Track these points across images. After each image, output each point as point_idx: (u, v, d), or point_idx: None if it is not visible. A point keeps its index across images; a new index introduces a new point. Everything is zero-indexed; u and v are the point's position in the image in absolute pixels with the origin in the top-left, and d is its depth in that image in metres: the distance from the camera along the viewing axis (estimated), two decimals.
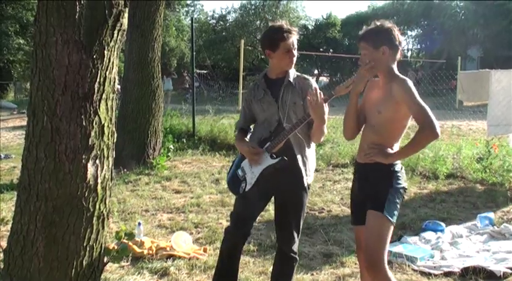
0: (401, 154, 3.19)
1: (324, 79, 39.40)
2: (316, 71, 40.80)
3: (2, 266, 3.08)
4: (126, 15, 2.91)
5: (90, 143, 2.86)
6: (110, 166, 3.04)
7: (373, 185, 3.23)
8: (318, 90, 3.49)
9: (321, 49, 39.85)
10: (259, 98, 3.63)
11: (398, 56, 3.23)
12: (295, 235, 3.62)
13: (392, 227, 3.19)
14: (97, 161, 2.92)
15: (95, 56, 2.81)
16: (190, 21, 30.10)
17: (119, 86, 11.36)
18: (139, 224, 5.32)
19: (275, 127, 3.55)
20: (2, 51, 31.21)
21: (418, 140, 3.04)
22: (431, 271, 4.59)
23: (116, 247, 3.58)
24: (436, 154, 8.67)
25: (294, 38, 3.51)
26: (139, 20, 9.34)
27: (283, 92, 3.54)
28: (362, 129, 3.41)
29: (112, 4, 2.79)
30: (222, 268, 3.75)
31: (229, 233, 3.70)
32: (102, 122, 2.91)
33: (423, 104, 3.01)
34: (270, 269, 4.09)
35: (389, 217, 3.13)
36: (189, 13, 46.92)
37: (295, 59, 3.56)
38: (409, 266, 4.69)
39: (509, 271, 4.52)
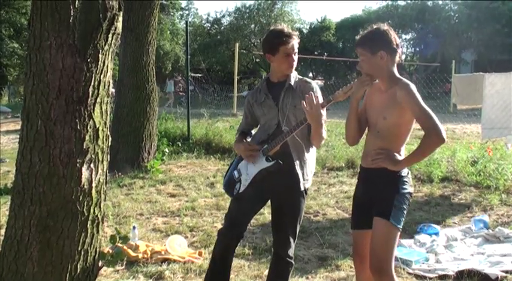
0: (409, 160, 3.15)
1: (318, 82, 39.43)
2: (310, 75, 40.82)
3: None
4: (120, 18, 2.91)
5: (84, 147, 2.86)
6: (105, 170, 3.04)
7: (379, 191, 3.19)
8: (318, 94, 3.48)
9: (316, 53, 39.90)
10: (260, 102, 3.64)
11: (398, 58, 3.18)
12: (291, 239, 3.60)
13: (398, 233, 3.17)
14: (91, 165, 2.91)
15: (89, 60, 2.80)
16: (184, 25, 30.11)
17: (114, 90, 11.35)
18: (134, 228, 5.31)
19: (273, 130, 3.55)
20: None
21: (425, 146, 3.00)
22: (426, 274, 4.59)
23: (110, 251, 3.57)
24: (431, 157, 8.67)
25: (294, 42, 3.49)
26: (134, 24, 9.33)
27: (284, 95, 3.54)
28: (366, 134, 3.37)
29: (106, 8, 2.78)
30: (214, 269, 3.73)
31: (222, 234, 3.68)
32: (97, 126, 2.91)
33: (427, 108, 2.98)
34: (265, 272, 4.09)
35: (395, 224, 3.11)
36: (184, 17, 47.00)
37: (295, 63, 3.55)
38: (404, 269, 4.69)
39: (504, 274, 4.52)
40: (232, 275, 4.52)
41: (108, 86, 2.97)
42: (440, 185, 7.91)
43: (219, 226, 5.93)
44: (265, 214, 5.77)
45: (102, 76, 2.89)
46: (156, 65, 10.06)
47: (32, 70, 2.81)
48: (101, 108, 2.92)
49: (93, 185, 2.94)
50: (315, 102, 3.22)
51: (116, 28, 2.89)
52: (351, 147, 10.66)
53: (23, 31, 30.02)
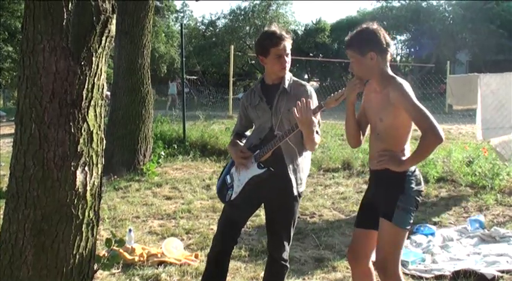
0: (411, 161, 3.07)
1: (313, 84, 39.49)
2: (306, 76, 40.88)
3: None
4: (114, 21, 2.90)
5: (78, 150, 2.84)
6: (99, 173, 3.02)
7: (384, 192, 3.17)
8: (312, 97, 3.47)
9: (311, 54, 39.97)
10: (254, 105, 3.61)
11: (389, 57, 3.14)
12: (285, 243, 3.57)
13: (405, 234, 3.15)
14: (86, 168, 2.90)
15: (82, 63, 2.79)
16: (179, 27, 30.14)
17: (108, 93, 11.33)
18: (130, 230, 5.30)
19: (266, 134, 3.52)
20: None
21: (423, 147, 2.96)
22: (423, 275, 4.59)
23: (106, 254, 3.56)
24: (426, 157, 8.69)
25: (286, 44, 3.44)
26: (129, 27, 9.32)
27: (278, 99, 3.50)
28: (369, 136, 3.34)
29: (99, 10, 2.77)
30: (209, 274, 3.72)
31: (215, 239, 3.68)
32: (91, 129, 2.89)
33: (422, 107, 2.93)
34: (262, 274, 4.08)
35: (399, 226, 3.09)
36: (179, 19, 47.04)
37: (288, 64, 3.49)
38: (400, 270, 4.69)
39: (500, 273, 4.53)
40: (228, 277, 4.52)
41: (102, 88, 2.95)
42: (436, 186, 7.92)
43: (215, 228, 5.92)
44: (262, 215, 5.76)
45: (96, 79, 2.87)
46: (151, 68, 10.05)
47: (26, 73, 2.79)
48: (95, 111, 2.91)
49: (88, 188, 2.93)
50: (306, 109, 3.18)
51: (109, 31, 2.88)
52: (347, 148, 10.72)
53: (18, 34, 29.96)
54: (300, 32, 42.02)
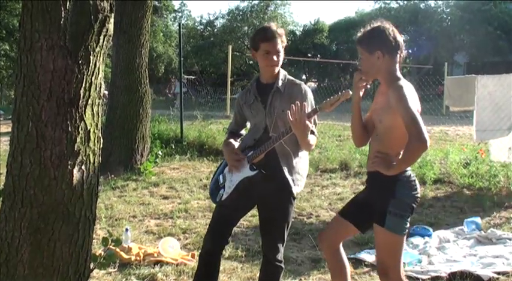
0: (399, 166, 3.01)
1: (311, 84, 39.51)
2: (304, 77, 40.89)
3: None
4: (111, 20, 2.89)
5: (75, 149, 2.84)
6: (96, 172, 3.02)
7: (376, 194, 3.16)
8: (308, 95, 3.45)
9: (309, 55, 39.98)
10: (249, 104, 3.57)
11: (399, 58, 3.10)
12: (280, 244, 3.53)
13: (401, 240, 3.12)
14: (83, 167, 2.90)
15: (80, 62, 2.79)
16: (177, 27, 30.11)
17: (106, 92, 11.32)
18: (126, 230, 5.29)
19: (260, 135, 3.49)
20: None
21: (409, 153, 2.92)
22: (419, 276, 4.59)
23: (102, 253, 3.56)
24: (424, 159, 8.70)
25: (276, 41, 3.38)
26: (127, 26, 9.32)
27: (272, 99, 3.46)
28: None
29: (97, 9, 2.77)
30: (199, 275, 3.69)
31: (205, 239, 3.66)
32: (88, 128, 2.89)
33: (415, 114, 2.88)
34: (258, 275, 4.08)
35: (393, 232, 3.06)
36: (177, 19, 46.95)
37: (276, 63, 3.43)
38: (402, 274, 4.70)
39: (496, 275, 4.54)
40: (225, 278, 4.53)
41: (100, 87, 2.95)
42: (433, 187, 7.93)
43: None
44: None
45: (93, 78, 2.87)
46: (148, 67, 10.04)
47: (23, 72, 2.79)
48: (93, 110, 2.91)
49: (85, 187, 2.93)
50: (300, 113, 3.12)
51: (107, 30, 2.88)
52: (344, 149, 10.74)
53: (16, 33, 29.91)
54: (298, 33, 42.01)
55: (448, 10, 36.30)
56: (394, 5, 38.73)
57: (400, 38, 3.11)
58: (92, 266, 3.19)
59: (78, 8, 2.75)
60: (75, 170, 2.86)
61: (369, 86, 3.25)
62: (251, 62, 38.66)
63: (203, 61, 39.55)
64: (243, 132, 3.83)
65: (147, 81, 9.76)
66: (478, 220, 6.09)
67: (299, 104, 3.13)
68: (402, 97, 2.93)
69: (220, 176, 3.65)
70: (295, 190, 3.49)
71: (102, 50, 2.91)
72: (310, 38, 40.53)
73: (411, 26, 37.25)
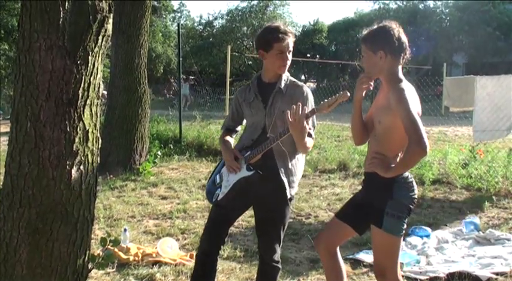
0: (397, 169, 2.99)
1: (310, 85, 39.51)
2: (303, 77, 40.89)
3: None
4: (110, 20, 2.89)
5: (74, 149, 2.84)
6: (95, 172, 3.02)
7: (372, 195, 3.14)
8: (308, 101, 3.41)
9: (308, 55, 39.95)
10: (249, 101, 3.54)
11: (402, 60, 3.09)
12: (276, 244, 3.52)
13: (398, 241, 3.11)
14: (81, 167, 2.90)
15: (79, 62, 2.79)
16: (177, 27, 30.10)
17: (105, 92, 11.31)
18: (125, 230, 5.29)
19: (258, 135, 3.47)
20: None
21: (407, 157, 2.90)
22: (417, 277, 4.60)
23: (101, 254, 3.56)
24: (422, 159, 8.70)
25: (289, 41, 3.37)
26: (125, 26, 9.32)
27: (273, 99, 3.43)
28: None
29: (96, 10, 2.77)
30: (196, 275, 3.68)
31: (202, 240, 3.66)
32: (87, 128, 2.89)
33: (415, 118, 2.86)
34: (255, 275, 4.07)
35: (390, 233, 3.05)
36: (176, 19, 46.97)
37: (289, 62, 3.43)
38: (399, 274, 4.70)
39: (494, 276, 4.54)
40: (223, 278, 4.54)
41: (98, 88, 2.95)
42: (432, 188, 7.93)
43: None
44: None
45: (92, 78, 2.87)
46: (147, 68, 10.04)
47: (22, 72, 2.79)
48: (91, 110, 2.91)
49: (83, 187, 2.93)
50: (299, 115, 3.10)
51: (106, 30, 2.88)
52: (343, 149, 10.74)
53: (14, 33, 29.88)
54: (297, 33, 41.98)
55: (447, 11, 36.31)
56: (393, 5, 38.73)
57: (405, 40, 3.09)
58: (90, 266, 3.19)
59: (77, 8, 2.75)
60: (73, 170, 2.86)
61: (371, 88, 3.24)
62: (250, 62, 38.68)
63: (202, 61, 39.53)
64: (239, 129, 3.80)
65: (146, 81, 9.75)
66: (476, 220, 6.10)
67: (299, 105, 3.12)
68: (403, 99, 2.91)
69: (217, 176, 3.64)
70: (290, 192, 3.46)
71: (101, 50, 2.91)
72: (309, 39, 40.51)
73: (410, 27, 37.17)
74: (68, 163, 2.84)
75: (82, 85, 2.82)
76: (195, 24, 46.19)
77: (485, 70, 25.13)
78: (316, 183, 8.54)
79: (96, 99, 2.94)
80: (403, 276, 4.59)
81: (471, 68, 33.73)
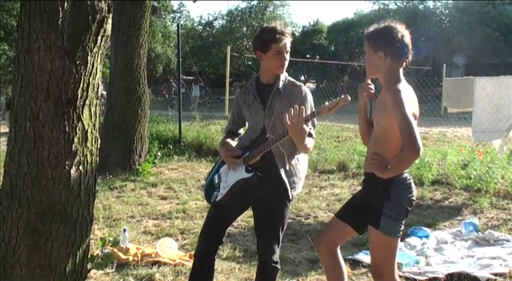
0: (392, 171, 2.99)
1: (310, 85, 39.53)
2: (302, 78, 40.91)
3: None
4: (109, 21, 2.89)
5: (73, 149, 2.84)
6: (94, 172, 3.02)
7: (371, 196, 3.14)
8: (307, 101, 3.40)
9: (308, 55, 39.98)
10: (248, 103, 3.53)
11: (403, 63, 3.07)
12: (275, 245, 3.51)
13: (395, 242, 3.10)
14: (80, 167, 2.90)
15: (78, 62, 2.79)
16: (176, 28, 30.12)
17: (104, 92, 11.32)
18: (124, 230, 5.29)
19: (257, 136, 3.46)
20: None
21: (401, 159, 2.90)
22: (416, 277, 4.60)
23: (100, 254, 3.56)
24: (422, 160, 8.71)
25: (286, 41, 3.38)
26: (125, 26, 9.32)
27: (272, 100, 3.42)
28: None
29: (95, 10, 2.77)
30: (193, 276, 3.67)
31: (199, 240, 3.64)
32: (86, 128, 2.89)
33: (410, 120, 2.84)
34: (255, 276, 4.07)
35: (387, 235, 3.04)
36: (176, 19, 47.04)
37: (286, 62, 3.42)
38: (396, 274, 4.70)
39: (493, 277, 4.54)
40: (222, 278, 4.53)
41: (98, 88, 2.95)
42: (431, 188, 7.93)
43: None
44: None
45: (91, 78, 2.87)
46: (147, 68, 10.04)
47: (21, 72, 2.79)
48: (90, 110, 2.91)
49: (82, 187, 2.93)
50: (298, 118, 3.08)
51: (105, 30, 2.88)
52: (342, 150, 10.74)
53: (14, 33, 29.87)
54: (297, 34, 41.99)
55: (446, 12, 36.36)
56: (392, 6, 38.77)
57: (408, 42, 3.07)
58: (89, 266, 3.19)
59: (76, 9, 2.75)
60: (72, 171, 2.86)
61: (372, 92, 3.24)
62: (250, 62, 38.69)
63: (202, 62, 39.58)
64: (241, 131, 3.79)
65: (146, 81, 9.75)
66: (475, 221, 6.10)
67: (297, 108, 3.10)
68: (398, 101, 2.89)
69: (216, 176, 3.63)
70: (292, 192, 3.45)
71: (100, 51, 2.91)
72: (308, 39, 40.57)
73: (410, 28, 36.94)
74: (67, 163, 2.83)
75: (81, 85, 2.82)
76: (195, 24, 46.28)
77: (485, 71, 25.14)
78: (316, 183, 8.54)
79: (95, 100, 2.94)
80: (402, 276, 4.61)
81: (471, 68, 33.76)
